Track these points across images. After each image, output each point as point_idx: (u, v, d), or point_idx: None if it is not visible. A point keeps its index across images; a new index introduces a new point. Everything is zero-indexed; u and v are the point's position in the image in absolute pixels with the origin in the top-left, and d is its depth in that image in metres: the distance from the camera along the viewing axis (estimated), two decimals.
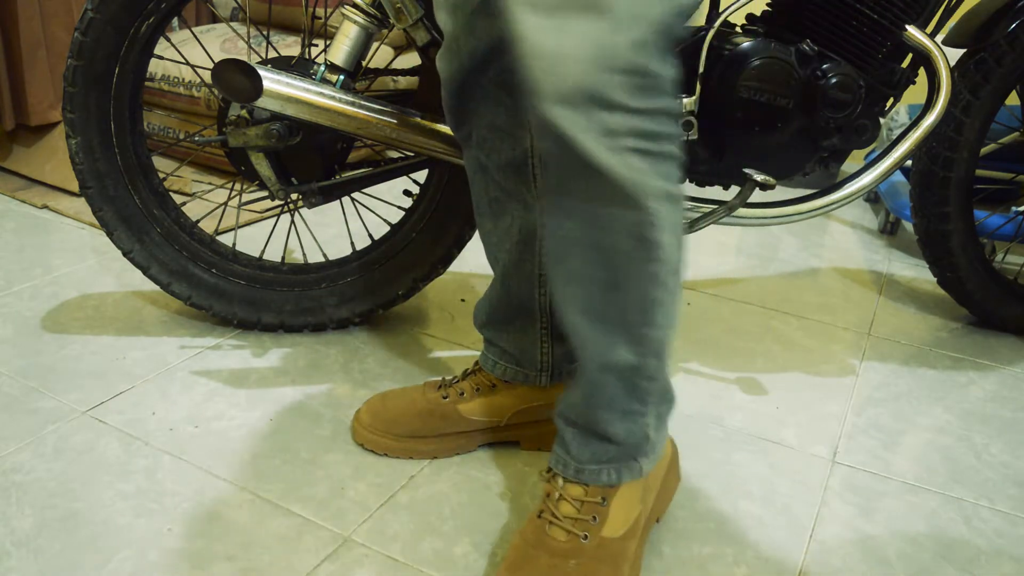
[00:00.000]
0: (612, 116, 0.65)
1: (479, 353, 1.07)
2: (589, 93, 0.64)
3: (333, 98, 1.10)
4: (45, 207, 1.75)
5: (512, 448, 1.07)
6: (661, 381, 0.82)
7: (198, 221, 1.30)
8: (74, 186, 1.77)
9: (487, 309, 1.04)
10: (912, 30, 1.07)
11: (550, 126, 0.65)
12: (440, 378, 1.08)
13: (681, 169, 0.72)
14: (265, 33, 2.02)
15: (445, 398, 1.04)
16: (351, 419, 1.09)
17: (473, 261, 1.58)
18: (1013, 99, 1.53)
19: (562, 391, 0.87)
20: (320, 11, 1.99)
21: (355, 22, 1.12)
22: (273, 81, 1.06)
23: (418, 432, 1.03)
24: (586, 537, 0.82)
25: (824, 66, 1.04)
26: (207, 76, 1.83)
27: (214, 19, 2.33)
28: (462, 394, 1.04)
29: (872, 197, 2.23)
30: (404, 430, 1.03)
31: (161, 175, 1.27)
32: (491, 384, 1.05)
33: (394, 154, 1.27)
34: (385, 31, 1.17)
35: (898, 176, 1.91)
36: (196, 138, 1.26)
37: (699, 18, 1.37)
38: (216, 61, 1.04)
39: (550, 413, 0.89)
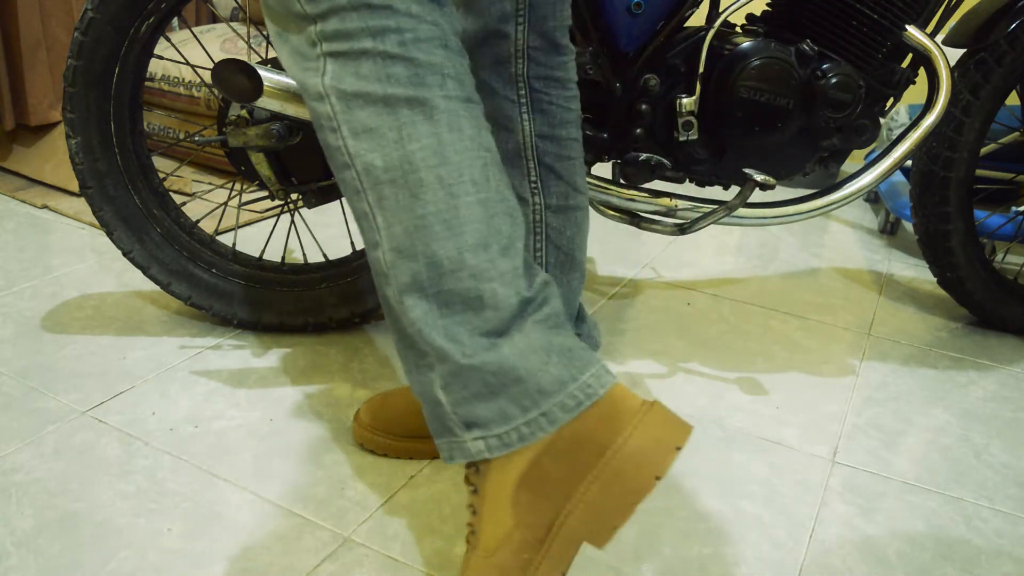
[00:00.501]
0: (301, 35, 0.66)
1: None
2: (279, 16, 0.66)
3: None
4: (45, 207, 1.75)
5: None
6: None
7: (198, 221, 1.30)
8: (74, 186, 1.77)
9: None
10: (912, 30, 1.07)
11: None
12: None
13: (389, 64, 0.66)
14: (265, 33, 2.02)
15: None
16: (351, 419, 1.09)
17: None
18: (1013, 99, 1.53)
19: None
20: None
21: None
22: (273, 81, 1.06)
23: (418, 432, 1.03)
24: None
25: (824, 66, 1.04)
26: (207, 76, 1.83)
27: (214, 19, 2.33)
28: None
29: (872, 197, 2.23)
30: (404, 430, 1.03)
31: (161, 175, 1.27)
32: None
33: None
34: None
35: (898, 176, 1.91)
36: (196, 138, 1.26)
37: (699, 18, 1.38)
38: (216, 61, 1.04)
39: None
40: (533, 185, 0.94)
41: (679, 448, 0.64)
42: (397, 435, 1.03)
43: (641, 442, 0.65)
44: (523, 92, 0.89)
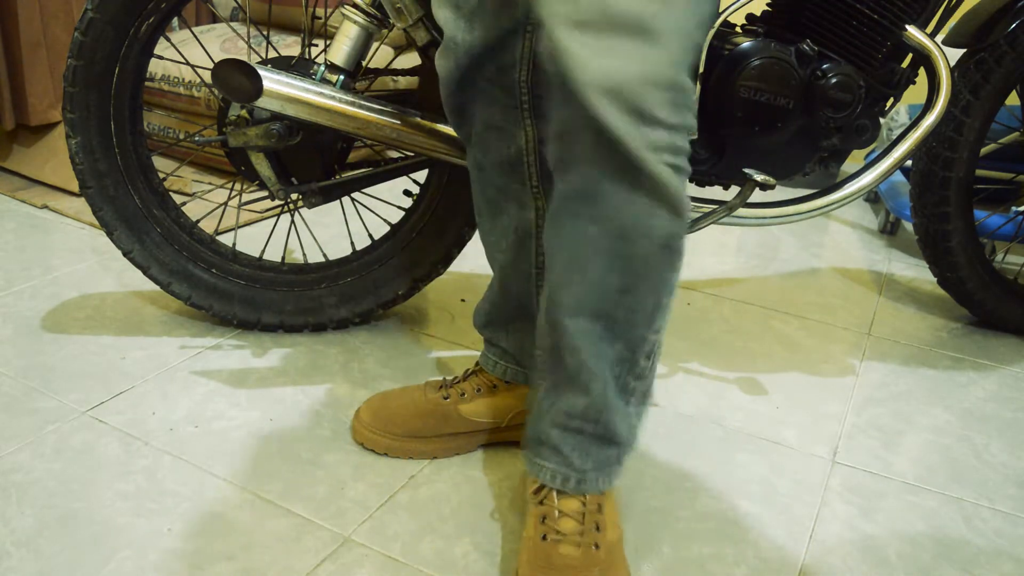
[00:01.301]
0: (654, 132, 0.68)
1: (479, 353, 1.07)
2: (637, 110, 0.66)
3: (333, 98, 1.10)
4: (45, 207, 1.75)
5: (512, 448, 1.07)
6: (649, 381, 0.83)
7: (198, 221, 1.30)
8: (74, 186, 1.77)
9: (486, 309, 1.04)
10: (912, 30, 1.07)
11: (605, 138, 0.67)
12: (441, 378, 1.08)
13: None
14: (265, 33, 2.02)
15: (446, 398, 1.04)
16: (351, 419, 1.09)
17: (473, 261, 1.58)
18: (1013, 99, 1.53)
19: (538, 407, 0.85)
20: (320, 11, 1.98)
21: (355, 22, 1.12)
22: (273, 81, 1.06)
23: (418, 432, 1.03)
24: (597, 547, 0.82)
25: (824, 66, 1.04)
26: (207, 76, 1.83)
27: (214, 19, 2.33)
28: (463, 395, 1.04)
29: (872, 197, 2.23)
30: (404, 430, 1.03)
31: (161, 175, 1.27)
32: (492, 385, 1.05)
33: (394, 154, 1.27)
34: (385, 31, 1.17)
35: (898, 176, 1.91)
36: (196, 138, 1.26)
37: None
38: (216, 61, 1.04)
39: None
40: (535, 190, 0.94)
41: None
42: (397, 435, 1.03)
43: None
44: (525, 99, 0.89)
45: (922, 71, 1.13)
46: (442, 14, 0.87)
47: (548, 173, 0.86)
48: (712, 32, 1.06)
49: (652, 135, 0.68)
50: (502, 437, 1.06)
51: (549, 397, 0.83)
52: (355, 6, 1.12)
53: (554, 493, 0.84)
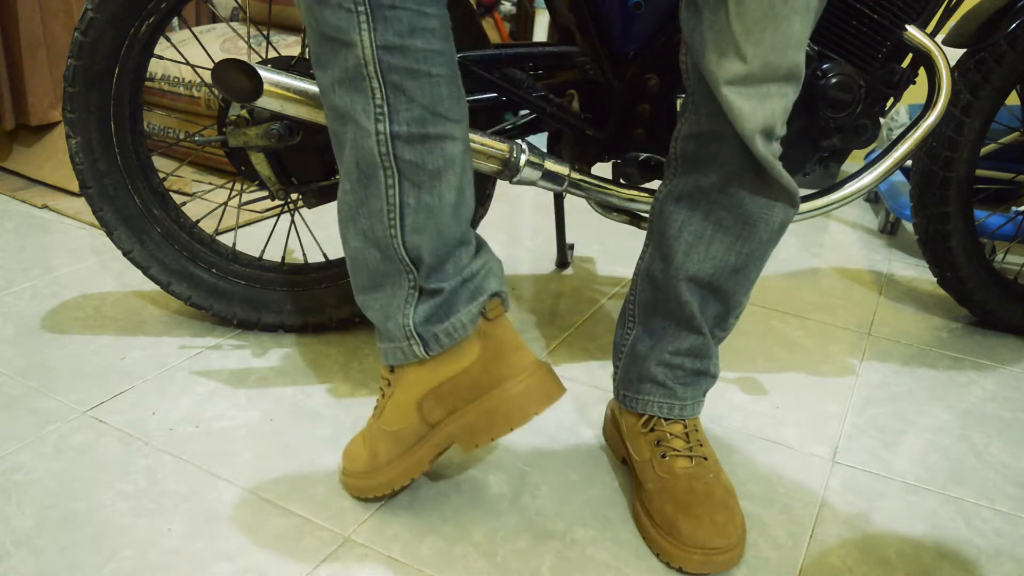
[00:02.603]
0: (777, 143, 0.85)
1: None
2: (775, 134, 0.84)
3: None
4: (45, 207, 1.75)
5: (512, 448, 1.07)
6: (730, 330, 1.00)
7: (198, 221, 1.30)
8: (74, 186, 1.77)
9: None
10: (912, 30, 1.07)
11: (755, 153, 0.83)
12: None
13: None
14: (265, 33, 2.02)
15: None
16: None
17: None
18: (1013, 99, 1.53)
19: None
20: None
21: None
22: (273, 81, 1.06)
23: (390, 460, 0.93)
24: (705, 459, 0.97)
25: (824, 66, 1.04)
26: (207, 76, 1.83)
27: (214, 19, 2.33)
28: (378, 409, 0.95)
29: (872, 197, 2.23)
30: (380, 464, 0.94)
31: (161, 175, 1.27)
32: (388, 382, 0.94)
33: None
34: None
35: (898, 176, 1.91)
36: (196, 138, 1.26)
37: None
38: (216, 61, 1.04)
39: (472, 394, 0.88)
40: (378, 110, 0.78)
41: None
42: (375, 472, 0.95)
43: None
44: None
45: (922, 71, 1.13)
46: None
47: (394, 87, 0.78)
48: None
49: (775, 146, 0.85)
50: (444, 436, 0.93)
51: (647, 341, 0.99)
52: None
53: (663, 421, 0.98)
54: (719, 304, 0.96)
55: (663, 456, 0.96)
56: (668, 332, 0.97)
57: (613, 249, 1.77)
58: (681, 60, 0.90)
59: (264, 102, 1.07)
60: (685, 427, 0.99)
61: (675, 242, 0.93)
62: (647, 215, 1.22)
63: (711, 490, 0.93)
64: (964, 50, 1.35)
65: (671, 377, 0.98)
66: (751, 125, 0.81)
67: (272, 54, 1.96)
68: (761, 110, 0.81)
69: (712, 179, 0.89)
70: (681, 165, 0.92)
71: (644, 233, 1.89)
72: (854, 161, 2.39)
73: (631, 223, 1.24)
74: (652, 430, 0.99)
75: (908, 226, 2.03)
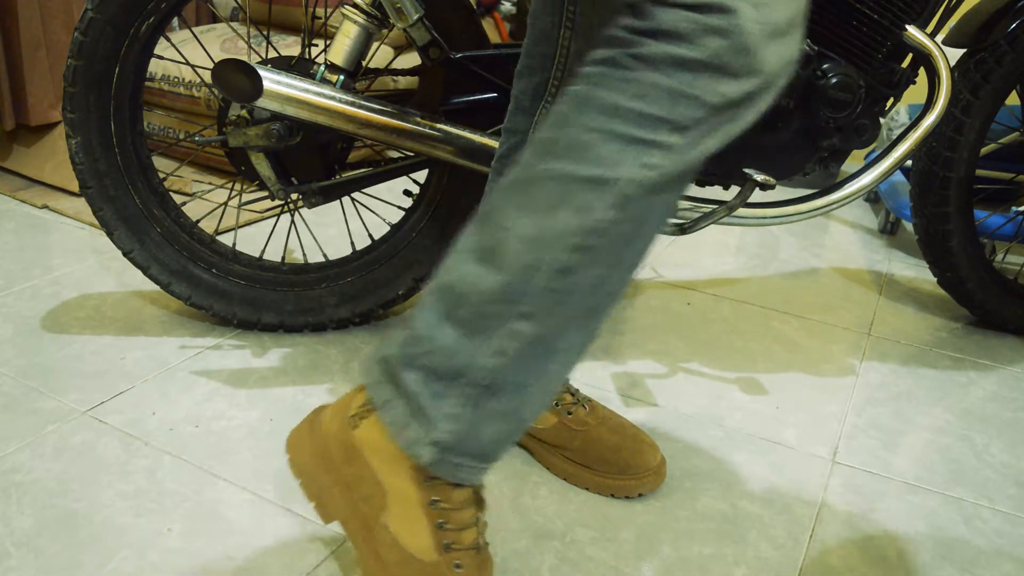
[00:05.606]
0: None
1: None
2: None
3: (333, 98, 1.10)
4: (45, 207, 1.75)
5: (512, 448, 1.07)
6: None
7: (198, 221, 1.30)
8: (74, 186, 1.77)
9: None
10: (912, 30, 1.07)
11: None
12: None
13: None
14: (265, 33, 2.02)
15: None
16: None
17: None
18: (1013, 99, 1.53)
19: None
20: (320, 11, 1.99)
21: (355, 22, 1.12)
22: (273, 81, 1.06)
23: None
24: (589, 401, 1.04)
25: (824, 66, 1.04)
26: (207, 76, 1.83)
27: (214, 19, 2.33)
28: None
29: (872, 197, 2.23)
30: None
31: (161, 175, 1.27)
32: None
33: (394, 154, 1.27)
34: (385, 31, 1.17)
35: (898, 176, 1.91)
36: (196, 138, 1.26)
37: None
38: (216, 61, 1.04)
39: None
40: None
41: None
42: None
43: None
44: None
45: (922, 71, 1.13)
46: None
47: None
48: None
49: None
50: None
51: None
52: (355, 6, 1.12)
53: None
54: None
55: (568, 414, 1.03)
56: None
57: None
58: None
59: (264, 102, 1.07)
60: (567, 388, 1.05)
61: None
62: None
63: (621, 422, 1.03)
64: (964, 50, 1.35)
65: None
66: None
67: (272, 54, 1.96)
68: None
69: None
70: None
71: None
72: (854, 161, 2.39)
73: None
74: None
75: (908, 226, 2.03)
